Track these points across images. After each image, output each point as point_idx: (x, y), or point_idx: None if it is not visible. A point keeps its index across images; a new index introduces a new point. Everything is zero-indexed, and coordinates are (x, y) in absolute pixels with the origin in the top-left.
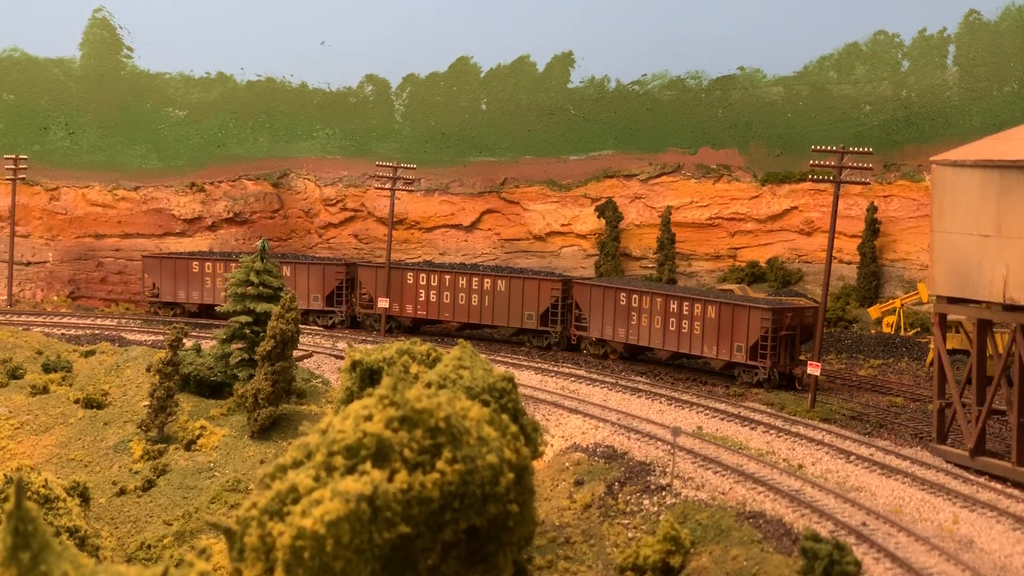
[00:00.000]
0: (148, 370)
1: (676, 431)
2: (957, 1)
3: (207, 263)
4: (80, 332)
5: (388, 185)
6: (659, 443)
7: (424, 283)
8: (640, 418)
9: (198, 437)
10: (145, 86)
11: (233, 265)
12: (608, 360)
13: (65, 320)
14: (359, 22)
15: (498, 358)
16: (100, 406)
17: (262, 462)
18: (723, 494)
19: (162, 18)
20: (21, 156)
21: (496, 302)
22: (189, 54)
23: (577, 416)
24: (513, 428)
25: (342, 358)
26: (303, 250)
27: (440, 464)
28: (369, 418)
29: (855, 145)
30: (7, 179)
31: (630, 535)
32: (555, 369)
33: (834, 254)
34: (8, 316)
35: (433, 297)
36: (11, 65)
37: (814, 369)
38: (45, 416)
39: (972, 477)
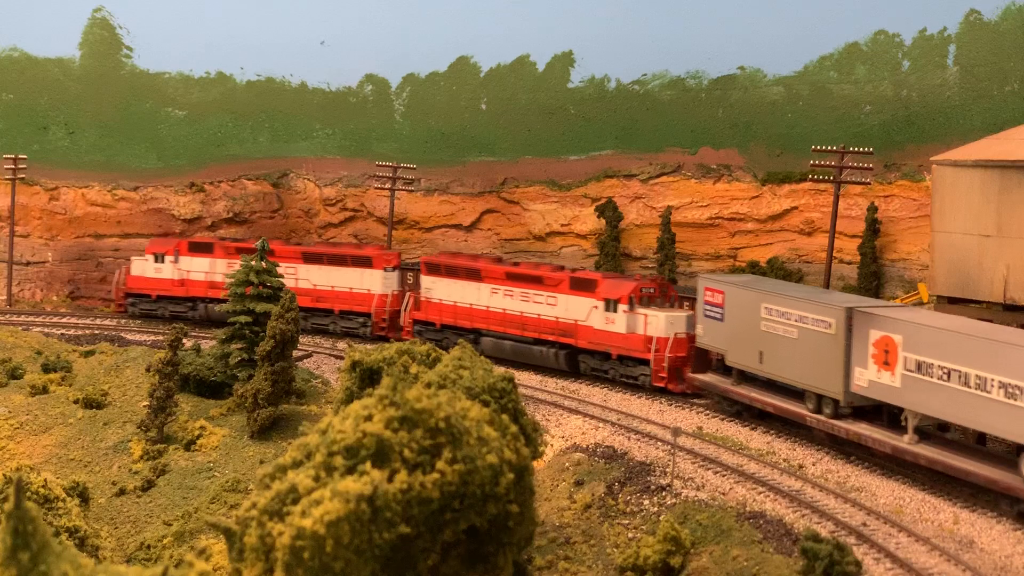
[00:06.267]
0: (148, 370)
1: (676, 431)
2: (957, 1)
3: None
4: (80, 332)
5: (388, 185)
6: (659, 443)
7: None
8: (640, 418)
9: (198, 437)
10: (145, 86)
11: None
12: None
13: (65, 320)
14: (359, 22)
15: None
16: (100, 406)
17: (262, 462)
18: (723, 494)
19: (162, 18)
20: (21, 156)
21: None
22: (189, 54)
23: (577, 416)
24: (513, 428)
25: (342, 358)
26: None
27: (440, 464)
28: (369, 418)
29: (855, 145)
30: (7, 179)
31: (630, 535)
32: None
33: (834, 254)
34: (8, 316)
35: None
36: (10, 65)
37: None
38: (44, 416)
39: None
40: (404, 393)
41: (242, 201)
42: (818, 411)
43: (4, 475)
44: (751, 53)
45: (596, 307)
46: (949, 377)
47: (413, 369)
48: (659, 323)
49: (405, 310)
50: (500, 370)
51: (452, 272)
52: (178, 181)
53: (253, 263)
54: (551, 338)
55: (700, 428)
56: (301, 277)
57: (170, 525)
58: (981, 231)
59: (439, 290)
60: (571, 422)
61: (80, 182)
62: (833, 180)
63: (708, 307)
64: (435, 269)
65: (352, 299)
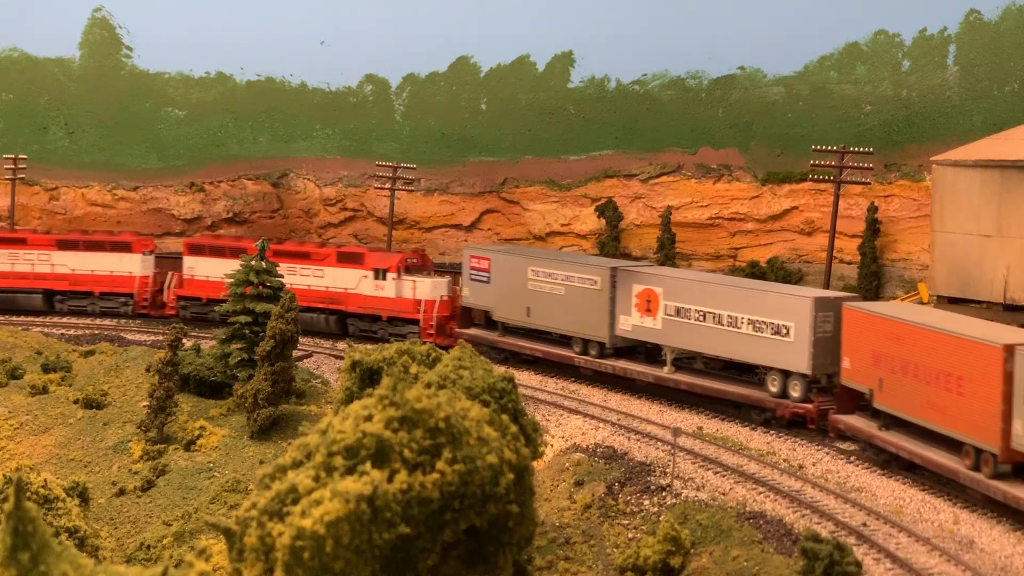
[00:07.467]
0: (148, 370)
1: (676, 431)
2: (957, 1)
3: None
4: (80, 332)
5: (388, 185)
6: (659, 443)
7: None
8: (640, 418)
9: (198, 437)
10: (145, 86)
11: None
12: None
13: (65, 320)
14: (359, 22)
15: None
16: (100, 406)
17: (262, 462)
18: (723, 494)
19: (162, 18)
20: (21, 156)
21: None
22: (189, 54)
23: (577, 416)
24: (513, 428)
25: (342, 358)
26: None
27: (440, 464)
28: (369, 418)
29: (855, 145)
30: (7, 179)
31: (630, 535)
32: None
33: (834, 254)
34: (8, 316)
35: None
36: (10, 65)
37: None
38: (44, 416)
39: None
40: (404, 393)
41: (242, 201)
42: (584, 353)
43: (4, 475)
44: (751, 53)
45: (365, 276)
46: (705, 318)
47: (413, 369)
48: (426, 288)
49: (169, 288)
50: (500, 370)
51: (216, 252)
52: (178, 181)
53: (253, 263)
54: (321, 306)
55: (700, 428)
56: (57, 263)
57: (170, 525)
58: (981, 231)
59: (202, 268)
60: (571, 422)
61: (80, 182)
62: (833, 180)
63: (474, 272)
64: (198, 250)
65: (113, 281)
